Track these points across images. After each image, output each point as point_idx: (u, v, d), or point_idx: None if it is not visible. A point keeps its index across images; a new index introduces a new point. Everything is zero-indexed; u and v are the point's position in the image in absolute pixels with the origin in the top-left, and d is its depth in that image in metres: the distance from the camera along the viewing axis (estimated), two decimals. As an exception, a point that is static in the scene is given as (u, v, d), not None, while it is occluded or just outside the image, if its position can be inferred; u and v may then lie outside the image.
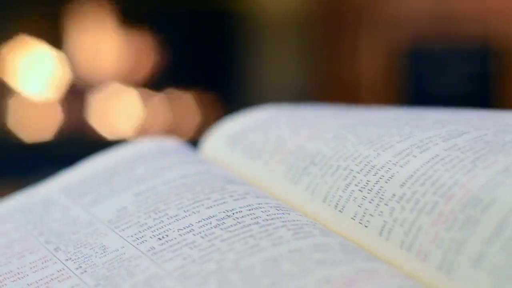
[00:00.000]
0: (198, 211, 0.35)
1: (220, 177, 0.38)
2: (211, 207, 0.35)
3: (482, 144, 0.33)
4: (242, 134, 0.43)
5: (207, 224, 0.34)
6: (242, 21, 1.83)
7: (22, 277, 0.34)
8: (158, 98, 1.82)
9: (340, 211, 0.35)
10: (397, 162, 0.34)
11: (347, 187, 0.35)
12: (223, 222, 0.34)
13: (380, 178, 0.34)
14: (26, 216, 0.39)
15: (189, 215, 0.35)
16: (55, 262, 0.34)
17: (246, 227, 0.33)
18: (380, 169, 0.35)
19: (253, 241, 0.32)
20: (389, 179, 0.34)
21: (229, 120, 0.45)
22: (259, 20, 1.82)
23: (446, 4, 1.76)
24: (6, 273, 0.34)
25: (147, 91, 1.82)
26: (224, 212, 0.34)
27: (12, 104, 1.78)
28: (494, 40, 1.75)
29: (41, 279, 0.34)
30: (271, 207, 0.35)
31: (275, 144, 0.41)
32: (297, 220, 0.34)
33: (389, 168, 0.34)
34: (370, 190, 0.34)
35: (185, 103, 1.82)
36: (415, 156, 0.34)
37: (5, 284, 0.34)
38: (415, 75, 1.78)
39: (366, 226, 0.33)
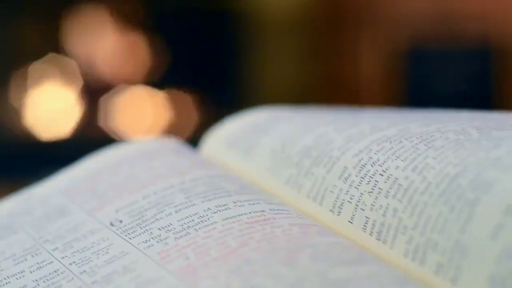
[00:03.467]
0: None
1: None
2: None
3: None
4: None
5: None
6: (242, 21, 1.83)
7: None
8: (158, 98, 1.82)
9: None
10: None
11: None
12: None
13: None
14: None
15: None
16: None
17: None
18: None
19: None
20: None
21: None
22: (259, 20, 1.82)
23: (446, 4, 1.76)
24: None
25: (148, 91, 1.82)
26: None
27: (13, 104, 1.78)
28: (494, 40, 1.75)
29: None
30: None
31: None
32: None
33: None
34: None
35: (185, 103, 1.82)
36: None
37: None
38: (415, 75, 1.78)
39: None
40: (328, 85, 1.86)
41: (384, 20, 1.80)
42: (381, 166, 0.35)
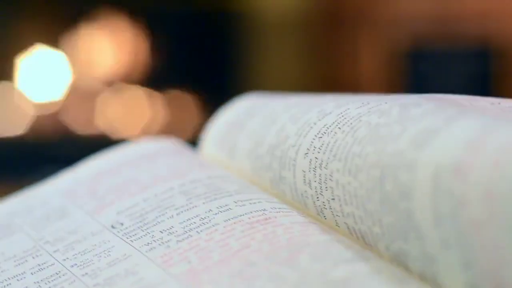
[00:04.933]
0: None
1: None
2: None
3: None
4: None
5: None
6: (242, 21, 1.83)
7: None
8: (158, 98, 1.82)
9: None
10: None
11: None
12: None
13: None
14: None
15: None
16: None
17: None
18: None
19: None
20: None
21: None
22: (259, 20, 1.82)
23: (446, 4, 1.76)
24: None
25: (147, 91, 1.81)
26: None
27: (13, 104, 1.78)
28: (494, 40, 1.75)
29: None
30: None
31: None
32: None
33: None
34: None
35: (185, 103, 1.82)
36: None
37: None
38: (415, 75, 1.78)
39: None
40: (328, 86, 1.86)
41: (384, 20, 1.80)
42: (326, 168, 0.33)
